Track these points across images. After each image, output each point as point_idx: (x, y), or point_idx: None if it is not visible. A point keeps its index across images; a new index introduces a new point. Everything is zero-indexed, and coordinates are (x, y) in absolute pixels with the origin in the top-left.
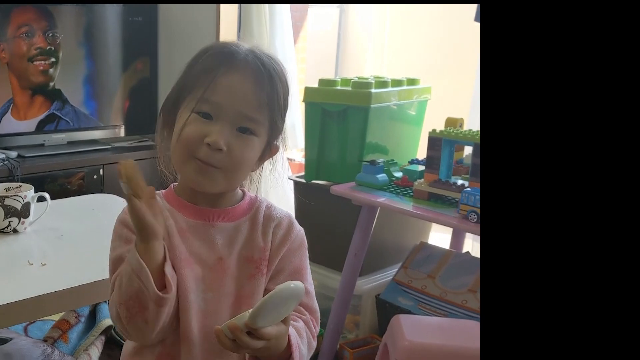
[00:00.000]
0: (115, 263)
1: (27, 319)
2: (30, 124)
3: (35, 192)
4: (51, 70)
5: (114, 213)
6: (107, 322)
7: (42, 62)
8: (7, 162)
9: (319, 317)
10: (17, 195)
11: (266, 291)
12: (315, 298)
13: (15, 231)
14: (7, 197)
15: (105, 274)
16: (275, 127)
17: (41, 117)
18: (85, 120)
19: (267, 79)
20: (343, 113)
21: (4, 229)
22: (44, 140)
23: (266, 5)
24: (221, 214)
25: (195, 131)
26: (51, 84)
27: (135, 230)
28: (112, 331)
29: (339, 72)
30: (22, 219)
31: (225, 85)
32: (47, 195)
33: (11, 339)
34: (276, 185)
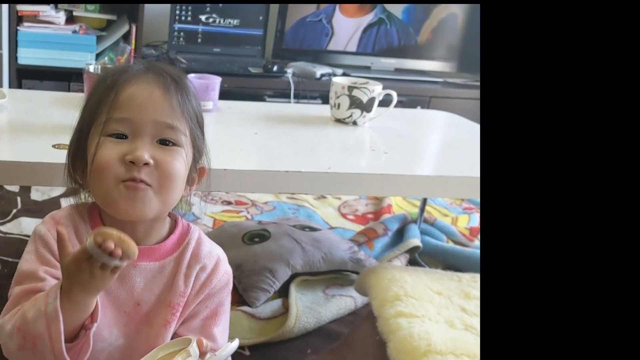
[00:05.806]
0: (23, 276)
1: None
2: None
3: None
4: None
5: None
6: (414, 242)
7: None
8: (330, 75)
9: None
10: (364, 87)
11: (175, 335)
12: (222, 344)
13: (354, 123)
14: (355, 87)
15: (457, 174)
16: (196, 140)
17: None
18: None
19: (173, 86)
20: None
21: (345, 119)
22: (371, 63)
23: None
24: (146, 253)
25: (111, 152)
26: None
27: (75, 277)
28: (416, 255)
29: None
30: (364, 112)
31: (130, 97)
32: (393, 93)
33: (320, 230)
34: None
